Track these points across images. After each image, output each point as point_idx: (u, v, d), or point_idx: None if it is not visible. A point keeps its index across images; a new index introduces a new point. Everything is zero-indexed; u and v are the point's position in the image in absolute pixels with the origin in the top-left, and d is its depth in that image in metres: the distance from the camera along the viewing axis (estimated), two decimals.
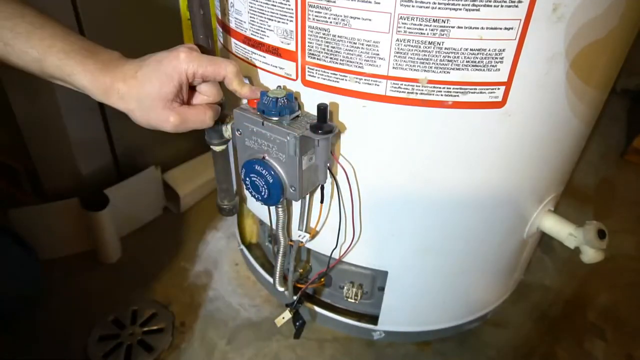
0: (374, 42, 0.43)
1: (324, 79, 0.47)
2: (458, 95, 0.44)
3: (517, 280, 0.79)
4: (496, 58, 0.42)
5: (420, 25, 0.41)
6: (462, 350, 0.75)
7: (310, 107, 0.50)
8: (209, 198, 1.06)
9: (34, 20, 0.42)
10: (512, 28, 0.40)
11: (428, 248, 0.59)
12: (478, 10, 0.39)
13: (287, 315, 0.64)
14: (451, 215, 0.55)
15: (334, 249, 0.59)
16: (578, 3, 0.40)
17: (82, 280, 0.83)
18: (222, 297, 0.82)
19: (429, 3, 0.39)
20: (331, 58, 0.45)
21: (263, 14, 0.48)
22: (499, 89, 0.44)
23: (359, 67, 0.45)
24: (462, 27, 0.40)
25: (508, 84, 0.44)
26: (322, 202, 0.55)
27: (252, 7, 0.49)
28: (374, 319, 0.70)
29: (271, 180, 0.50)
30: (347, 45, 0.44)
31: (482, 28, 0.40)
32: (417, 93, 0.45)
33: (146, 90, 0.43)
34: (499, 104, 0.45)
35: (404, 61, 0.43)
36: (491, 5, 0.39)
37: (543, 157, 0.54)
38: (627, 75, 1.50)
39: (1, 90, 0.75)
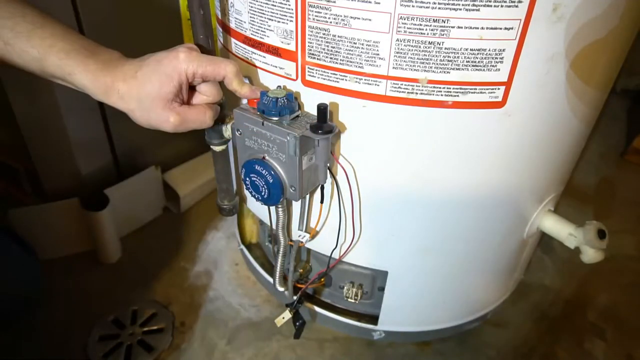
0: (374, 42, 0.43)
1: (324, 79, 0.47)
2: (458, 95, 0.44)
3: (517, 280, 0.79)
4: (496, 58, 0.42)
5: (420, 25, 0.41)
6: (462, 350, 0.75)
7: (310, 107, 0.50)
8: (209, 198, 1.06)
9: (35, 20, 0.42)
10: (512, 28, 0.40)
11: (428, 248, 0.59)
12: (478, 10, 0.39)
13: (287, 315, 0.64)
14: (451, 215, 0.55)
15: (334, 249, 0.59)
16: (578, 3, 0.40)
17: (82, 280, 0.83)
18: (222, 297, 0.82)
19: (429, 3, 0.39)
20: (331, 58, 0.45)
21: (263, 14, 0.48)
22: (499, 89, 0.44)
23: (359, 67, 0.45)
24: (462, 27, 0.40)
25: (508, 84, 0.44)
26: (322, 202, 0.55)
27: (252, 7, 0.49)
28: (374, 319, 0.70)
29: (271, 180, 0.50)
30: (347, 45, 0.44)
31: (482, 28, 0.40)
32: (417, 93, 0.45)
33: (146, 90, 0.43)
34: (499, 104, 0.45)
35: (404, 61, 0.43)
36: (491, 5, 0.39)
37: (543, 157, 0.54)
38: (627, 75, 1.50)
39: (1, 90, 0.75)
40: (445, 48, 0.41)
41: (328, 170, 0.51)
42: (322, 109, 0.44)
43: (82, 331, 0.73)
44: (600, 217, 1.07)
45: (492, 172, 0.52)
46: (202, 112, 0.47)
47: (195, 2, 0.50)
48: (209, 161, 0.68)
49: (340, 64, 0.45)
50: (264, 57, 0.52)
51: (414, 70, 0.43)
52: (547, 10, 0.40)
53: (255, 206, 0.69)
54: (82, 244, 0.87)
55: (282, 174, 0.49)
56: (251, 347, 0.73)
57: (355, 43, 0.43)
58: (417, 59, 0.42)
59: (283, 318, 0.64)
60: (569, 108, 0.50)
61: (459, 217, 0.56)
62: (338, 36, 0.44)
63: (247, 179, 0.52)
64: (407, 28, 0.41)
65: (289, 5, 0.45)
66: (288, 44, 0.48)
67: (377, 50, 0.43)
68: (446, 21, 0.40)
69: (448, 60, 0.42)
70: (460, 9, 0.39)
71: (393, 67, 0.43)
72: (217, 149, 0.59)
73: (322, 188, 0.54)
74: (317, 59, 0.46)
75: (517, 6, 0.39)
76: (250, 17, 0.50)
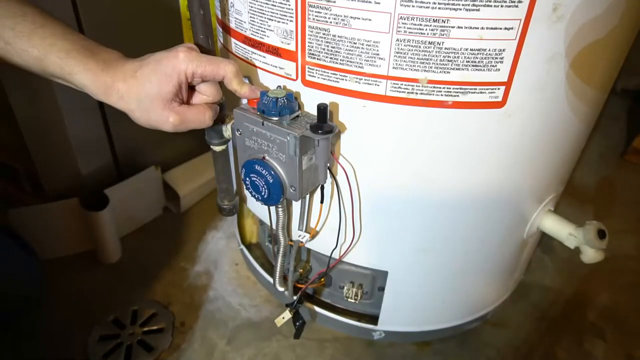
0: (374, 42, 0.43)
1: (324, 79, 0.47)
2: (458, 95, 0.44)
3: (517, 280, 0.79)
4: (496, 58, 0.42)
5: (420, 25, 0.41)
6: (462, 350, 0.75)
7: (310, 107, 0.50)
8: (209, 198, 1.06)
9: (36, 19, 0.42)
10: (512, 28, 0.40)
11: (428, 248, 0.59)
12: (478, 10, 0.39)
13: (287, 315, 0.64)
14: (451, 215, 0.55)
15: (334, 249, 0.59)
16: (578, 3, 0.40)
17: (82, 280, 0.83)
18: (222, 297, 0.82)
19: (429, 3, 0.39)
20: (331, 58, 0.45)
21: (263, 14, 0.48)
22: (499, 89, 0.44)
23: (359, 67, 0.45)
24: (462, 27, 0.40)
25: (508, 84, 0.44)
26: (322, 202, 0.55)
27: (252, 7, 0.49)
28: (374, 319, 0.70)
29: (271, 180, 0.50)
30: (347, 45, 0.44)
31: (482, 28, 0.40)
32: (417, 93, 0.45)
33: (145, 90, 0.43)
34: (499, 104, 0.45)
35: (404, 61, 0.43)
36: (491, 5, 0.39)
37: (543, 157, 0.54)
38: (627, 75, 1.50)
39: (1, 90, 0.75)
40: (445, 48, 0.41)
41: (328, 170, 0.51)
42: (322, 109, 0.44)
43: (82, 331, 0.73)
44: (600, 217, 1.07)
45: (492, 172, 0.52)
46: (202, 112, 0.47)
47: (195, 2, 0.50)
48: (209, 161, 0.68)
49: (340, 64, 0.45)
50: (264, 57, 0.52)
51: (414, 70, 0.43)
52: (547, 10, 0.40)
53: (255, 206, 0.69)
54: (82, 244, 0.87)
55: (282, 174, 0.49)
56: (251, 347, 0.73)
57: (355, 43, 0.43)
58: (417, 59, 0.42)
59: (283, 318, 0.64)
60: (569, 108, 0.50)
61: (459, 217, 0.56)
62: (338, 36, 0.44)
63: (247, 179, 0.52)
64: (407, 28, 0.41)
65: (289, 5, 0.45)
66: (288, 44, 0.48)
67: (377, 50, 0.43)
68: (446, 21, 0.40)
69: (448, 60, 0.42)
70: (460, 9, 0.39)
71: (393, 67, 0.43)
72: (217, 149, 0.59)
73: (322, 188, 0.54)
74: (317, 59, 0.46)
75: (517, 6, 0.39)
76: (250, 17, 0.50)
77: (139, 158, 0.97)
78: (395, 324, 0.70)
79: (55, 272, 0.84)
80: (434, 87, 0.44)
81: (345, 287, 0.68)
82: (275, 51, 0.50)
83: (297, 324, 0.65)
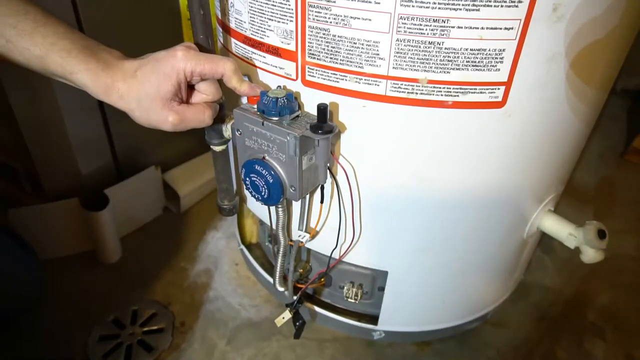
0: (374, 42, 0.43)
1: (324, 79, 0.47)
2: (458, 95, 0.44)
3: (517, 280, 0.79)
4: (496, 58, 0.42)
5: (420, 25, 0.41)
6: (462, 350, 0.75)
7: (310, 107, 0.50)
8: (209, 198, 1.06)
9: (38, 18, 0.42)
10: (512, 28, 0.40)
11: (428, 248, 0.59)
12: (478, 10, 0.39)
13: (287, 315, 0.64)
14: (451, 215, 0.55)
15: (334, 249, 0.59)
16: (578, 3, 0.40)
17: (82, 280, 0.83)
18: (222, 297, 0.82)
19: (429, 3, 0.39)
20: (331, 58, 0.45)
21: (263, 14, 0.48)
22: (499, 89, 0.44)
23: (359, 67, 0.45)
24: (462, 27, 0.40)
25: (508, 84, 0.44)
26: (322, 202, 0.55)
27: (252, 7, 0.49)
28: (374, 319, 0.70)
29: (271, 180, 0.50)
30: (347, 45, 0.44)
31: (482, 28, 0.40)
32: (417, 93, 0.45)
33: (145, 90, 0.44)
34: (499, 104, 0.45)
35: (404, 61, 0.43)
36: (491, 5, 0.39)
37: (543, 157, 0.54)
38: (627, 75, 1.50)
39: (1, 90, 0.75)
40: (445, 48, 0.41)
41: (328, 170, 0.51)
42: (322, 109, 0.44)
43: (82, 331, 0.73)
44: (600, 217, 1.07)
45: (492, 172, 0.52)
46: (201, 111, 0.47)
47: (195, 2, 0.50)
48: (209, 161, 0.68)
49: (340, 64, 0.45)
50: (264, 57, 0.52)
51: (414, 70, 0.43)
52: (547, 10, 0.40)
53: (255, 206, 0.69)
54: (82, 244, 0.87)
55: (282, 174, 0.49)
56: (251, 347, 0.73)
57: (355, 43, 0.43)
58: (417, 59, 0.42)
59: (283, 318, 0.64)
60: (569, 108, 0.50)
61: (459, 217, 0.56)
62: (338, 36, 0.44)
63: (247, 179, 0.52)
64: (407, 28, 0.41)
65: (289, 5, 0.45)
66: (288, 44, 0.48)
67: (377, 50, 0.43)
68: (446, 21, 0.40)
69: (448, 60, 0.42)
70: (460, 9, 0.39)
71: (393, 67, 0.43)
72: (217, 149, 0.59)
73: (322, 188, 0.54)
74: (317, 59, 0.46)
75: (517, 6, 0.39)
76: (250, 17, 0.50)
77: (139, 158, 0.97)
78: (395, 324, 0.70)
79: (55, 272, 0.84)
80: (434, 87, 0.44)
81: (345, 287, 0.68)
82: (275, 51, 0.50)
83: (297, 324, 0.65)
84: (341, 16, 0.42)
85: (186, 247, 0.93)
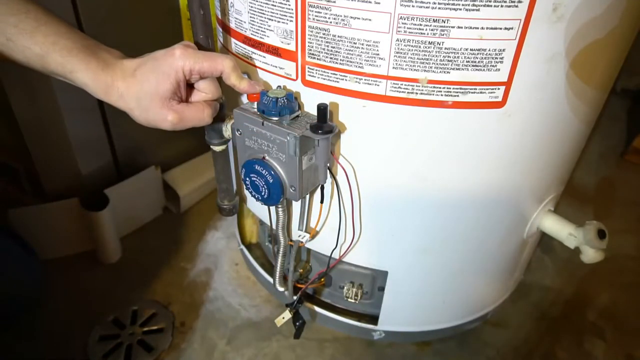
0: (374, 42, 0.43)
1: (324, 79, 0.47)
2: (458, 95, 0.44)
3: (517, 280, 0.79)
4: (496, 58, 0.42)
5: (420, 25, 0.41)
6: (462, 350, 0.75)
7: (310, 107, 0.50)
8: (209, 198, 1.06)
9: (39, 17, 0.42)
10: (512, 28, 0.40)
11: (428, 248, 0.59)
12: (478, 10, 0.39)
13: (287, 315, 0.64)
14: (451, 215, 0.55)
15: (334, 249, 0.59)
16: (578, 3, 0.40)
17: (82, 280, 0.83)
18: (222, 297, 0.82)
19: (429, 3, 0.39)
20: (331, 58, 0.45)
21: (263, 14, 0.48)
22: (499, 89, 0.44)
23: (359, 67, 0.45)
24: (462, 27, 0.40)
25: (508, 84, 0.44)
26: (322, 202, 0.55)
27: (252, 7, 0.49)
28: (374, 319, 0.70)
29: (271, 180, 0.50)
30: (347, 45, 0.44)
31: (482, 28, 0.40)
32: (417, 93, 0.45)
33: (144, 89, 0.44)
34: (499, 104, 0.45)
35: (404, 61, 0.43)
36: (491, 5, 0.39)
37: (543, 157, 0.54)
38: (627, 75, 1.50)
39: (1, 90, 0.75)
40: (445, 48, 0.41)
41: (328, 170, 0.51)
42: (322, 109, 0.44)
43: (82, 331, 0.73)
44: (600, 217, 1.07)
45: (492, 172, 0.52)
46: (201, 109, 0.47)
47: (195, 2, 0.50)
48: (209, 161, 0.68)
49: (340, 64, 0.45)
50: (264, 57, 0.52)
51: (414, 70, 0.43)
52: (547, 10, 0.40)
53: (255, 206, 0.69)
54: (82, 244, 0.87)
55: (282, 174, 0.49)
56: (251, 347, 0.73)
57: (355, 43, 0.43)
58: (417, 59, 0.42)
59: (283, 318, 0.64)
60: (569, 108, 0.50)
61: (459, 217, 0.56)
62: (338, 36, 0.44)
63: (247, 179, 0.52)
64: (407, 28, 0.41)
65: (289, 5, 0.45)
66: (288, 44, 0.48)
67: (377, 50, 0.43)
68: (446, 21, 0.40)
69: (448, 60, 0.42)
70: (460, 9, 0.39)
71: (393, 67, 0.43)
72: (217, 149, 0.59)
73: (322, 188, 0.54)
74: (317, 59, 0.46)
75: (517, 6, 0.39)
76: (250, 17, 0.50)
77: (139, 158, 0.97)
78: (395, 324, 0.70)
79: (55, 272, 0.84)
80: (434, 87, 0.44)
81: (345, 287, 0.68)
82: (275, 51, 0.50)
83: (297, 324, 0.65)
84: (341, 16, 0.42)
85: (186, 247, 0.93)
